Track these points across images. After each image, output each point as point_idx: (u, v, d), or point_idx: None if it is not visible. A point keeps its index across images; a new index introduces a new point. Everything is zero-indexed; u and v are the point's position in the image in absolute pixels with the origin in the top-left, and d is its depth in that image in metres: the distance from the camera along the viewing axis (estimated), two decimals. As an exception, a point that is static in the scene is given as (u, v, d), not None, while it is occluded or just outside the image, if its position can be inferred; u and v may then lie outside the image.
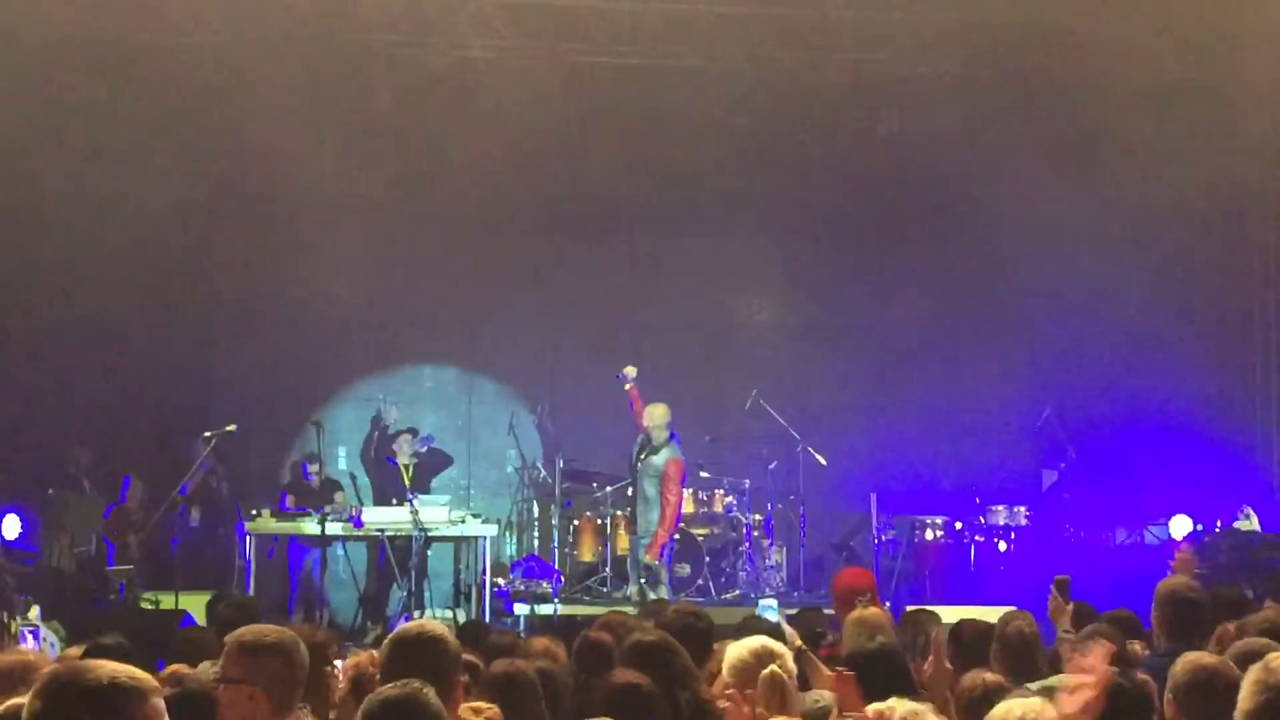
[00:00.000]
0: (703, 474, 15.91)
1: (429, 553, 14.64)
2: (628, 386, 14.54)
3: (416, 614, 13.62)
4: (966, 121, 15.52)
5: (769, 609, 9.43)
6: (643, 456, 14.21)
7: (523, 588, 14.62)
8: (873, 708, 5.11)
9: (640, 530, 14.22)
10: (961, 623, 7.61)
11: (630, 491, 14.85)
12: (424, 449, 15.50)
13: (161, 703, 3.71)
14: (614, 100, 15.82)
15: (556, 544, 15.63)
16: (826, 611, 9.12)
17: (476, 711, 5.45)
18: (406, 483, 14.93)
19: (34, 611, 10.34)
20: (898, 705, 4.98)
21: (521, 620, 13.87)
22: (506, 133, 15.29)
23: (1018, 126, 15.42)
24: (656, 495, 14.11)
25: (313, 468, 15.39)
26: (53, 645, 9.93)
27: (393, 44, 15.24)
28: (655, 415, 14.25)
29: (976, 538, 15.70)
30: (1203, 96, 15.20)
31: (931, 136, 15.59)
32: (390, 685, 4.70)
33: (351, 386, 16.99)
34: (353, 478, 15.73)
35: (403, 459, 15.24)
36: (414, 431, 15.57)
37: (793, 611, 9.00)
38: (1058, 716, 4.58)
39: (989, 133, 15.49)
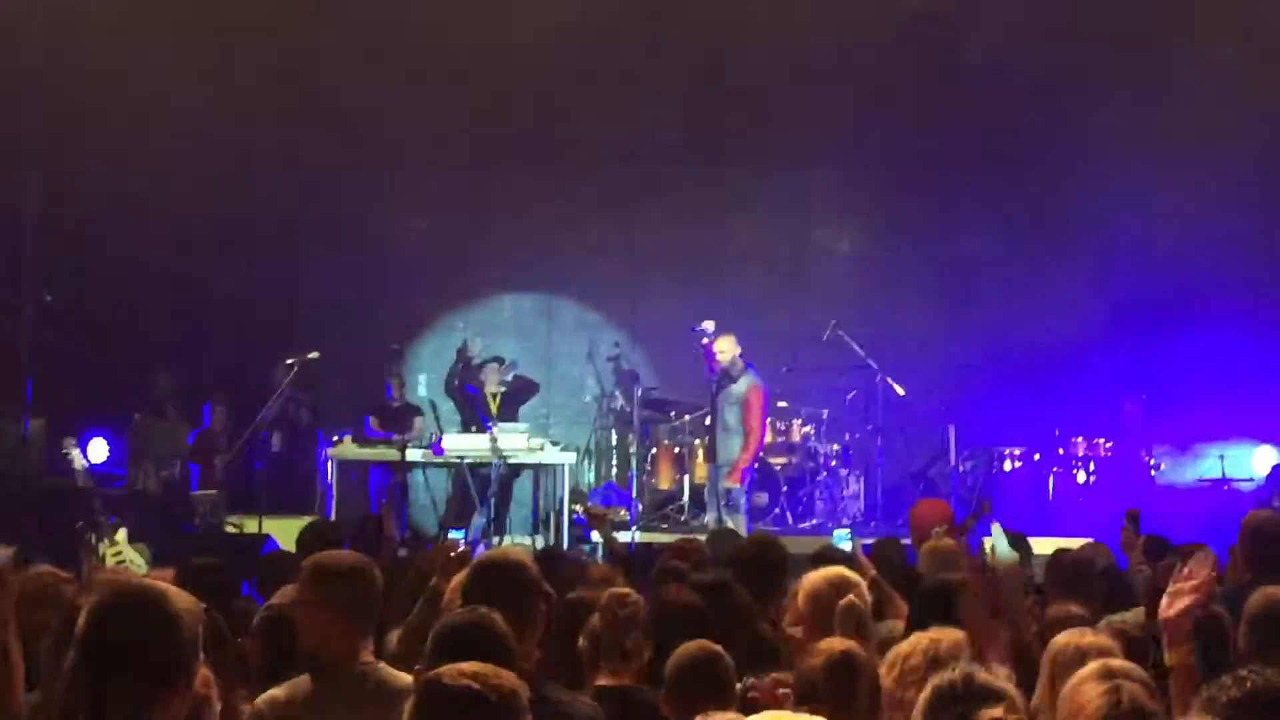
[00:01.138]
0: (780, 404, 15.89)
1: (510, 480, 14.79)
2: (705, 340, 14.39)
3: (495, 540, 13.78)
4: (1043, 45, 15.42)
5: (843, 538, 9.49)
6: (723, 385, 14.15)
7: (600, 514, 14.66)
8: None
9: (721, 459, 14.13)
10: (1058, 552, 7.56)
11: (709, 421, 14.83)
12: (510, 377, 15.52)
13: None
14: (694, 26, 15.75)
15: (635, 472, 15.67)
16: (905, 542, 9.11)
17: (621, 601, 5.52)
18: (494, 411, 14.99)
19: (121, 534, 10.49)
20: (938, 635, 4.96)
21: (599, 548, 13.95)
22: (583, 60, 15.29)
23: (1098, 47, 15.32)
24: (739, 423, 14.02)
25: (395, 387, 15.54)
26: (139, 567, 10.08)
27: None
28: (725, 346, 14.17)
29: (1055, 469, 15.67)
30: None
31: (1009, 61, 15.53)
32: (461, 610, 4.80)
33: (432, 315, 17.09)
34: (433, 405, 15.82)
35: (490, 388, 15.26)
36: (500, 360, 15.59)
37: (869, 541, 9.02)
38: (1162, 618, 4.62)
39: (1065, 54, 15.41)
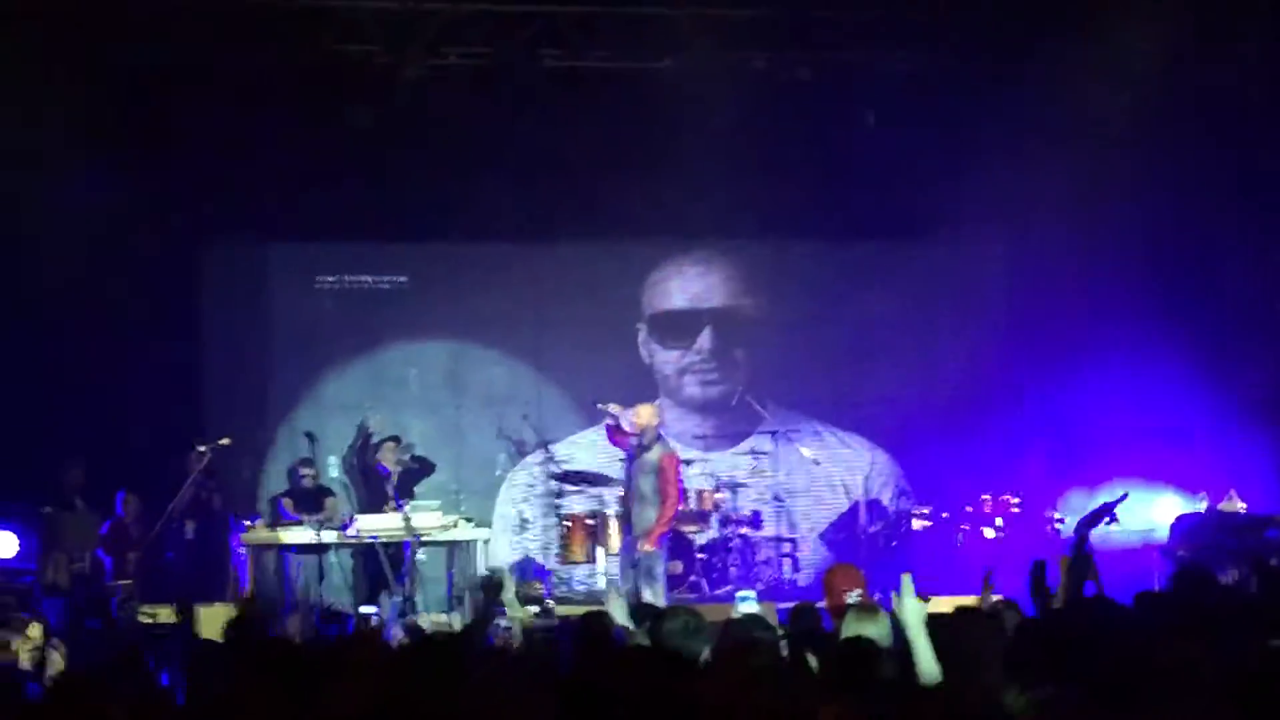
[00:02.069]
0: (692, 471, 16.06)
1: (421, 558, 14.81)
2: (608, 422, 14.45)
3: (410, 619, 13.76)
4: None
5: (747, 599, 9.62)
6: (637, 454, 14.19)
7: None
8: None
9: (636, 530, 14.14)
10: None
11: (622, 493, 14.90)
12: (407, 457, 15.62)
13: None
14: (591, 104, 15.88)
15: (547, 546, 15.75)
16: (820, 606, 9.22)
17: None
18: (390, 491, 15.11)
19: (35, 630, 10.41)
20: None
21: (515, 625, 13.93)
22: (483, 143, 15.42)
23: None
24: (654, 491, 13.99)
25: (306, 473, 15.56)
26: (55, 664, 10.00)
27: (364, 54, 15.29)
28: (644, 415, 14.21)
29: (963, 526, 15.87)
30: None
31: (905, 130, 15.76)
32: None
33: (338, 394, 17.10)
34: (345, 486, 15.84)
35: (391, 467, 15.42)
36: (396, 440, 15.70)
37: (785, 607, 9.13)
38: None
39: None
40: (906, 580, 6.29)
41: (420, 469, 15.81)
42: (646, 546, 13.92)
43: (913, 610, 6.09)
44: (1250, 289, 16.04)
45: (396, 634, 12.92)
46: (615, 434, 14.30)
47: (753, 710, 5.52)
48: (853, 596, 8.25)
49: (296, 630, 13.08)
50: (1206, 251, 16.25)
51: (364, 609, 14.01)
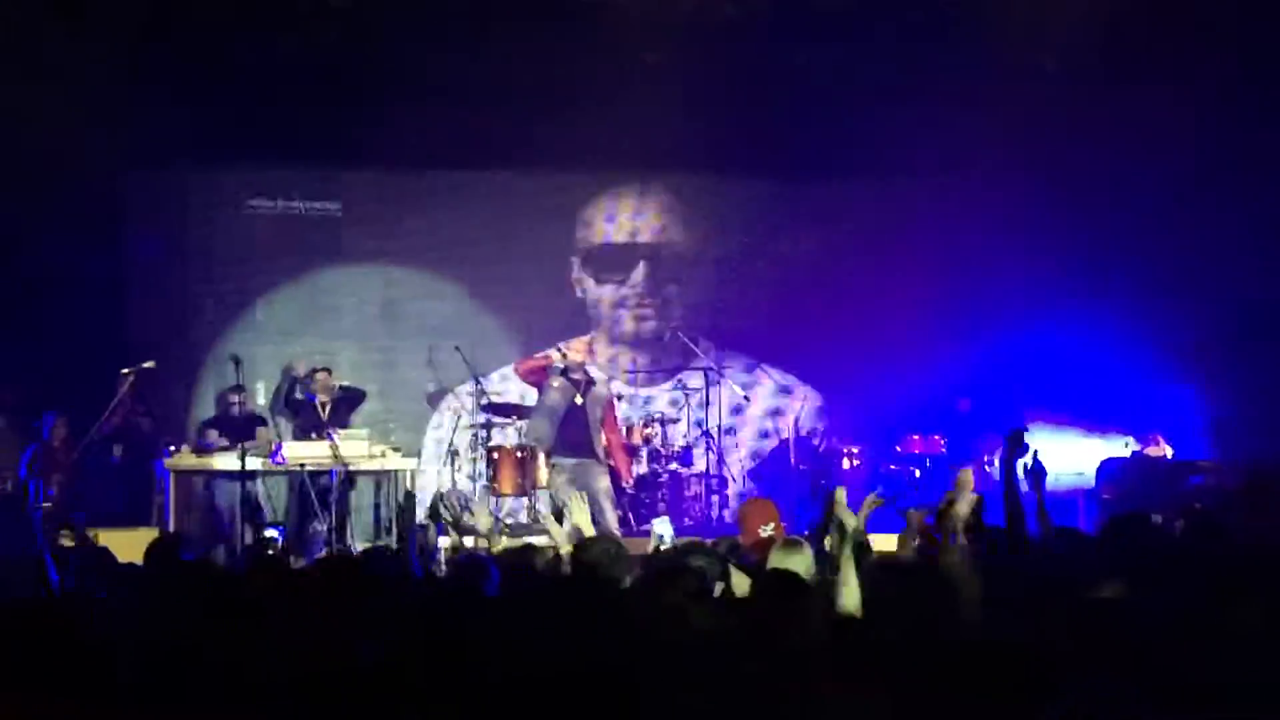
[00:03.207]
0: (622, 404, 16.06)
1: (350, 487, 14.76)
2: (539, 359, 14.63)
3: (338, 548, 13.72)
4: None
5: (662, 523, 9.66)
6: (586, 390, 14.20)
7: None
8: None
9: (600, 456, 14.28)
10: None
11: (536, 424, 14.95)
12: (336, 386, 15.54)
13: None
14: (530, 34, 15.73)
15: (477, 478, 15.71)
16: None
17: None
18: (323, 418, 15.05)
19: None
20: None
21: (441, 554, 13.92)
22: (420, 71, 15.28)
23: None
24: (600, 422, 14.20)
25: (235, 400, 15.44)
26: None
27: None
28: (581, 349, 14.44)
29: (891, 466, 15.95)
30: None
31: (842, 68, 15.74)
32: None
33: (269, 320, 16.97)
34: (272, 413, 15.75)
35: (322, 396, 15.34)
36: (328, 370, 15.62)
37: (710, 541, 9.13)
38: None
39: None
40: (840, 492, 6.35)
41: (350, 397, 15.72)
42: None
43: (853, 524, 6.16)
44: (1179, 237, 16.10)
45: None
46: (535, 372, 14.35)
47: (684, 633, 5.53)
48: (767, 530, 8.28)
49: (220, 559, 13.02)
50: (1138, 199, 16.32)
51: (267, 532, 13.99)
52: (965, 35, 15.25)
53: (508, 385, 16.77)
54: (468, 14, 15.09)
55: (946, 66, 15.50)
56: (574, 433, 14.28)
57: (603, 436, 14.22)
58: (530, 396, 15.32)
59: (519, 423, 15.72)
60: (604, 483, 14.16)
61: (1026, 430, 7.73)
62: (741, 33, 15.49)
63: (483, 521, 9.38)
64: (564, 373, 14.27)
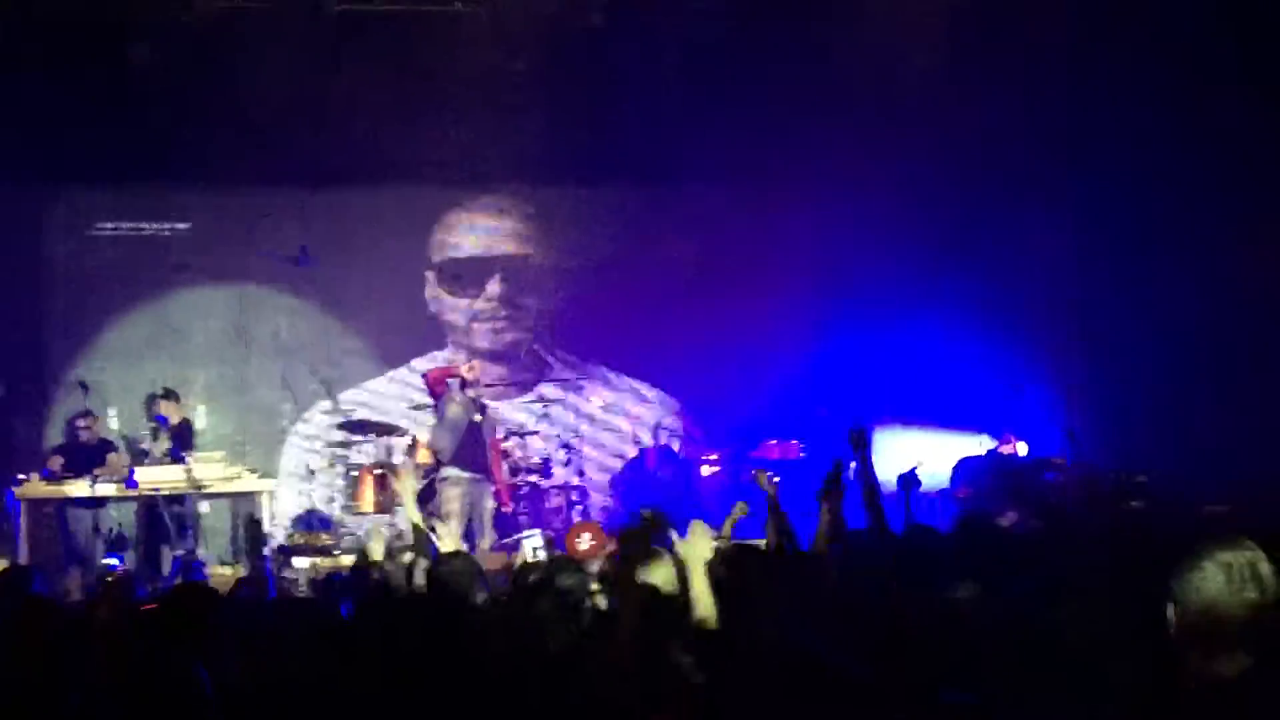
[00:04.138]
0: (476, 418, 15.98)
1: (204, 510, 14.55)
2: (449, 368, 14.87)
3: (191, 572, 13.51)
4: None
5: (530, 536, 9.66)
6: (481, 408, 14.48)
7: (302, 541, 14.56)
8: None
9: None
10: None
11: (412, 440, 14.91)
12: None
13: None
14: (381, 48, 15.62)
15: (332, 498, 15.58)
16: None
17: None
18: (166, 444, 14.76)
19: None
20: None
21: (301, 575, 13.79)
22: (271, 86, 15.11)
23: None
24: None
25: (83, 425, 15.10)
26: None
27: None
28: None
29: (750, 471, 15.96)
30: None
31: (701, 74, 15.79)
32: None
33: (120, 343, 16.69)
34: (125, 439, 15.45)
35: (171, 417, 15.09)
36: (175, 396, 15.33)
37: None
38: None
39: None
40: (696, 525, 6.33)
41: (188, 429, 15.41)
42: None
43: (697, 552, 6.13)
44: (1036, 238, 16.31)
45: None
46: (440, 382, 14.67)
47: (542, 654, 5.50)
48: (584, 541, 8.36)
49: (76, 587, 12.78)
50: (992, 200, 16.52)
51: (104, 560, 13.77)
52: (820, 42, 15.41)
53: (362, 401, 16.63)
54: (320, 25, 14.98)
55: (801, 74, 15.63)
56: (471, 449, 14.45)
57: (494, 457, 14.37)
58: (391, 412, 15.25)
59: (377, 439, 15.60)
60: (490, 502, 14.37)
61: (867, 429, 7.83)
62: (598, 41, 15.51)
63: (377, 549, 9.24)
64: (463, 387, 14.37)
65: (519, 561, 9.07)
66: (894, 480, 10.75)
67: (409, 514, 8.70)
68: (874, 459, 7.83)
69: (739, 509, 7.72)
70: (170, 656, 5.11)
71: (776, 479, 8.52)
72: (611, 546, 8.60)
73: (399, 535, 12.51)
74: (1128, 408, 15.85)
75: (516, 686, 5.41)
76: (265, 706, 5.45)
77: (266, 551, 13.95)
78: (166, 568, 14.28)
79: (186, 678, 4.76)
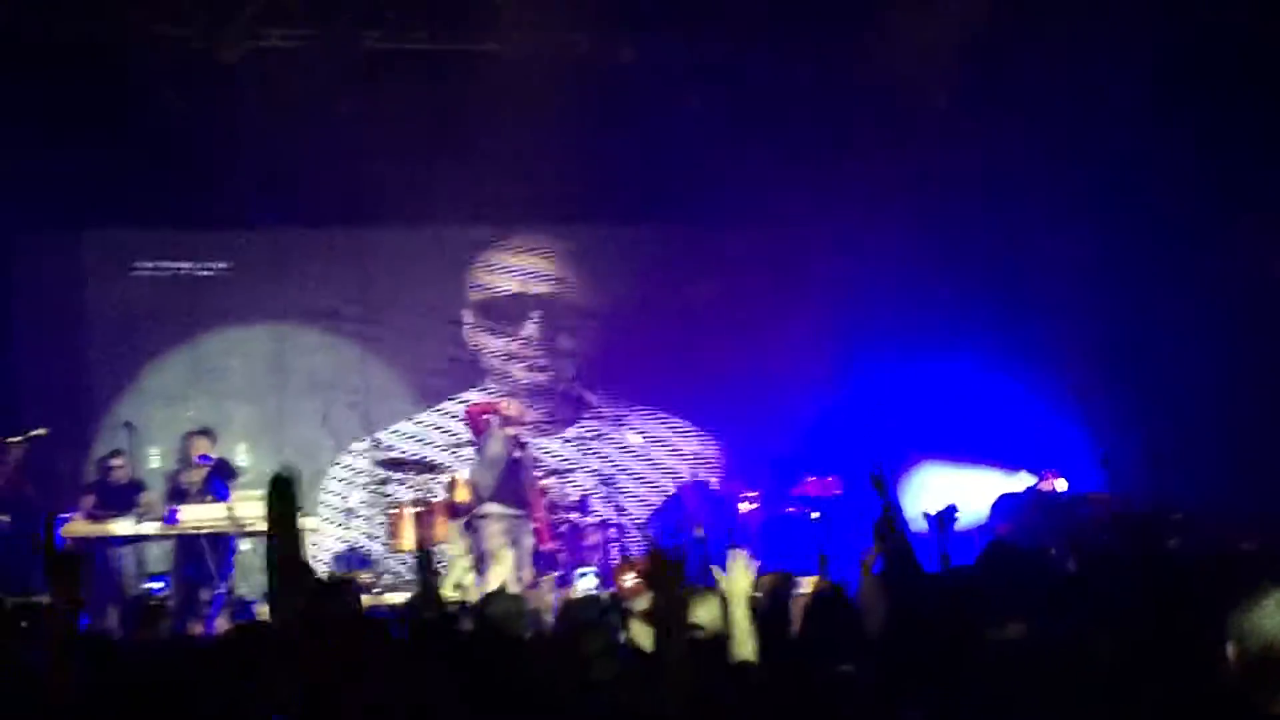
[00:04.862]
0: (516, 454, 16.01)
1: (247, 548, 14.60)
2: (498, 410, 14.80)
3: (229, 611, 13.56)
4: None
5: (585, 574, 9.66)
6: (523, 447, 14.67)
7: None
8: None
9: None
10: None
11: (452, 479, 14.95)
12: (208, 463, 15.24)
13: None
14: (415, 86, 15.71)
15: (373, 535, 15.61)
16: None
17: None
18: (201, 485, 14.79)
19: None
20: None
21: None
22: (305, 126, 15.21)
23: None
24: None
25: (116, 464, 15.13)
26: None
27: (182, 35, 15.00)
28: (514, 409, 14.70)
29: (789, 509, 15.98)
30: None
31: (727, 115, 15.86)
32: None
33: (159, 383, 16.78)
34: (166, 477, 15.51)
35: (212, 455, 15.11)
36: (208, 433, 15.34)
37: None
38: None
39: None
40: (736, 556, 6.31)
41: (227, 471, 15.42)
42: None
43: (737, 586, 6.12)
44: (1067, 268, 16.32)
45: (221, 625, 12.77)
46: (480, 419, 14.72)
47: (585, 687, 5.53)
48: (630, 579, 8.38)
49: (115, 625, 12.83)
50: (1023, 235, 16.53)
51: (147, 584, 13.82)
52: (841, 84, 15.48)
53: (402, 440, 16.68)
54: (357, 66, 15.10)
55: (822, 114, 15.70)
56: (513, 486, 14.48)
57: (533, 495, 14.36)
58: (432, 449, 15.27)
59: (416, 477, 15.63)
60: (530, 540, 14.36)
61: (886, 471, 7.84)
62: (631, 80, 15.58)
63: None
64: (504, 424, 14.38)
65: (567, 597, 9.11)
66: (925, 519, 10.76)
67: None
68: (903, 499, 7.84)
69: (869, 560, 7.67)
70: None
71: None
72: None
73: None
74: (1164, 440, 15.80)
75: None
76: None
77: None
78: (205, 608, 14.32)
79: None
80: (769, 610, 6.38)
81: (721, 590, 6.18)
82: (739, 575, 6.15)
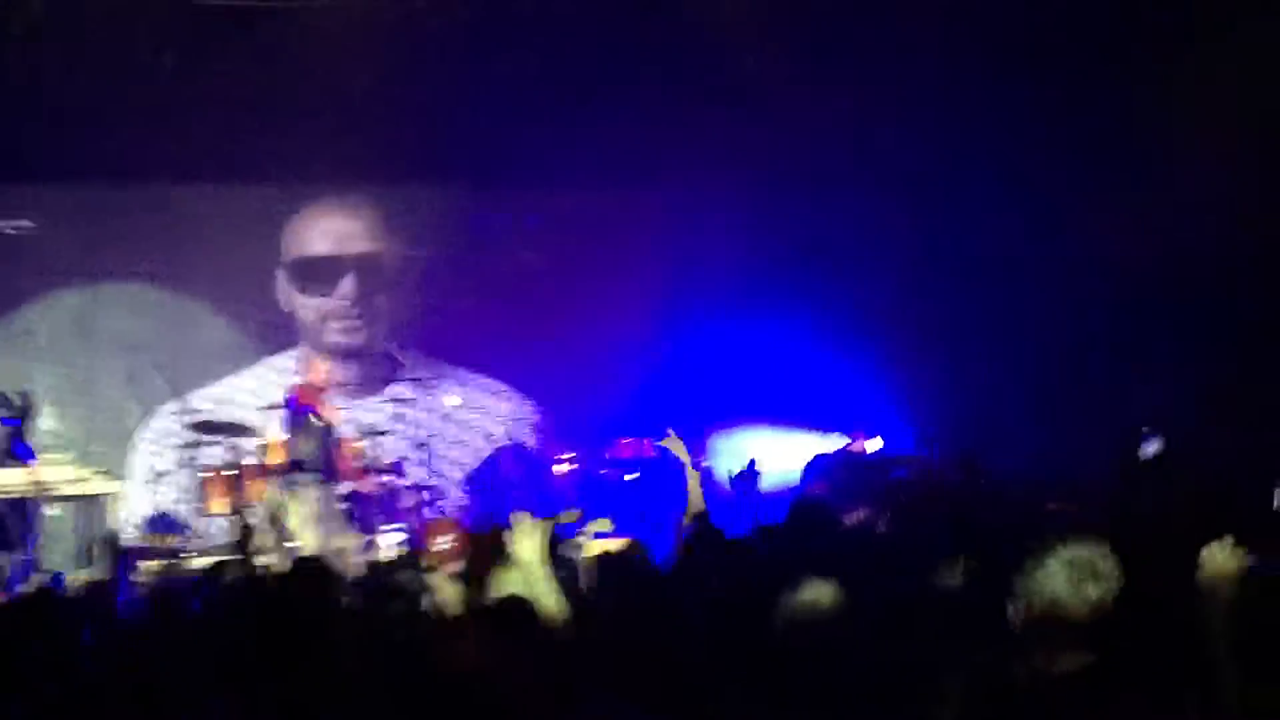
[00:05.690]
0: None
1: (56, 513, 14.28)
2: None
3: (35, 577, 13.25)
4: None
5: (394, 536, 9.62)
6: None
7: (151, 544, 14.34)
8: None
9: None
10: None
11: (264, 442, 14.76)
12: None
13: None
14: (235, 42, 15.43)
15: (180, 499, 15.37)
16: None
17: None
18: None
19: None
20: None
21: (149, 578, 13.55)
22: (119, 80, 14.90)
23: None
24: None
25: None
26: None
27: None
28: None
29: (603, 470, 16.01)
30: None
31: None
32: None
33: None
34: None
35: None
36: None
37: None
38: None
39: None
40: (518, 521, 6.34)
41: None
42: None
43: (523, 551, 6.17)
44: (890, 235, 16.53)
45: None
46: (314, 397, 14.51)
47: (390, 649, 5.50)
48: (442, 542, 8.34)
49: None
50: (842, 202, 16.69)
51: None
52: (659, 42, 15.48)
53: (214, 402, 16.44)
54: (167, 24, 14.80)
55: (639, 75, 15.69)
56: (324, 451, 14.44)
57: (343, 458, 14.31)
58: (244, 411, 15.12)
59: (227, 440, 15.39)
60: (342, 504, 14.28)
61: (666, 436, 7.96)
62: (444, 40, 15.44)
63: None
64: (317, 392, 14.34)
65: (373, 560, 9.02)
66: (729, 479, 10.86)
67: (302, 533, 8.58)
68: (718, 461, 7.92)
69: (567, 516, 7.76)
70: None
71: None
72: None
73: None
74: (976, 407, 16.08)
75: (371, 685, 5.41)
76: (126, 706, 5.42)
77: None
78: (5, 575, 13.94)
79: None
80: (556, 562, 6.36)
81: (513, 556, 6.20)
82: (523, 540, 6.19)
